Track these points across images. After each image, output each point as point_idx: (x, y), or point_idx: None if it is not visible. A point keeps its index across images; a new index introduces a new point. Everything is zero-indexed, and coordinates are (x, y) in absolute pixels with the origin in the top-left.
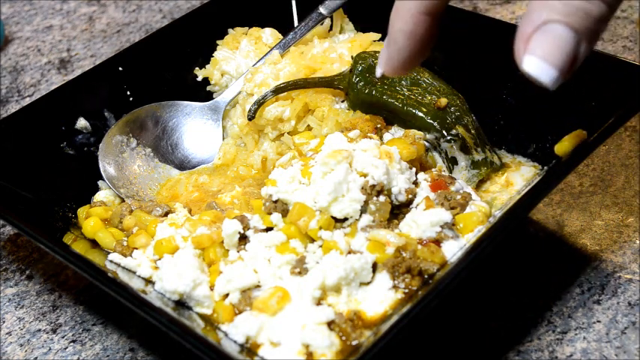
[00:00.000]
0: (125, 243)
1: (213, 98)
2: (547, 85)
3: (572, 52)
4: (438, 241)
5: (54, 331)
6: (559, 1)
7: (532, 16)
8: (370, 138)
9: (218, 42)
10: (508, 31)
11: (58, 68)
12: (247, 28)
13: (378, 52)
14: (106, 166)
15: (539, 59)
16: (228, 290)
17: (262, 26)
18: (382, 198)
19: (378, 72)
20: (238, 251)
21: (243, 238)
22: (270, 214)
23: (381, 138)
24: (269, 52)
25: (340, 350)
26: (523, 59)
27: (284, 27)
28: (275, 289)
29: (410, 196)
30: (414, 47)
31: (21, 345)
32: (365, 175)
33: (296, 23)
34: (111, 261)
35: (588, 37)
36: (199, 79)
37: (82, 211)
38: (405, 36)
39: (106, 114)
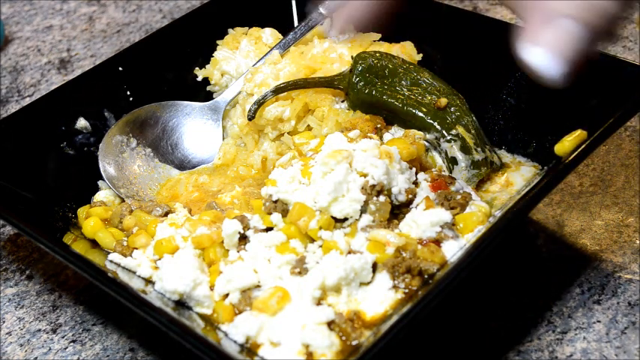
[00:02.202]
0: (125, 243)
1: (213, 98)
2: (553, 79)
3: (582, 47)
4: (438, 241)
5: (54, 331)
6: None
7: (543, 9)
8: (370, 138)
9: (218, 42)
10: (508, 31)
11: (58, 68)
12: (247, 28)
13: (378, 52)
14: (106, 166)
15: (546, 51)
16: (228, 290)
17: (262, 26)
18: (382, 198)
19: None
20: (238, 251)
21: (243, 238)
22: (270, 214)
23: (381, 138)
24: (269, 52)
25: (340, 350)
26: (529, 50)
27: (284, 27)
28: (275, 289)
29: (410, 196)
30: None
31: (21, 345)
32: (365, 175)
33: (296, 23)
34: (111, 261)
35: (601, 34)
36: (199, 79)
37: (82, 211)
38: None
39: (106, 114)
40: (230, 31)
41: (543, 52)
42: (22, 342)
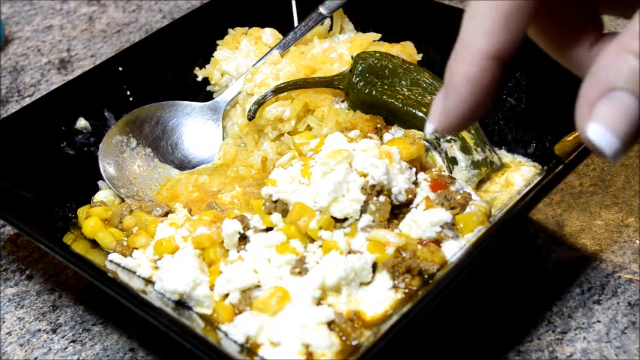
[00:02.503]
0: (125, 243)
1: (213, 98)
2: (607, 155)
3: (637, 122)
4: (438, 241)
5: (54, 331)
6: (628, 67)
7: (598, 79)
8: (370, 138)
9: (218, 42)
10: None
11: (58, 68)
12: (247, 28)
13: (378, 52)
14: (106, 166)
15: (603, 128)
16: (228, 290)
17: (262, 26)
18: (382, 198)
19: (430, 129)
20: (238, 251)
21: (243, 238)
22: (270, 214)
23: (381, 138)
24: (269, 52)
25: (340, 350)
26: (587, 126)
27: (284, 27)
28: (275, 289)
29: (410, 196)
30: (478, 99)
31: (21, 345)
32: (365, 175)
33: (296, 23)
34: (111, 261)
35: None
36: (199, 79)
37: (82, 211)
38: (468, 84)
39: (106, 114)
40: (230, 31)
41: (601, 129)
42: (22, 342)
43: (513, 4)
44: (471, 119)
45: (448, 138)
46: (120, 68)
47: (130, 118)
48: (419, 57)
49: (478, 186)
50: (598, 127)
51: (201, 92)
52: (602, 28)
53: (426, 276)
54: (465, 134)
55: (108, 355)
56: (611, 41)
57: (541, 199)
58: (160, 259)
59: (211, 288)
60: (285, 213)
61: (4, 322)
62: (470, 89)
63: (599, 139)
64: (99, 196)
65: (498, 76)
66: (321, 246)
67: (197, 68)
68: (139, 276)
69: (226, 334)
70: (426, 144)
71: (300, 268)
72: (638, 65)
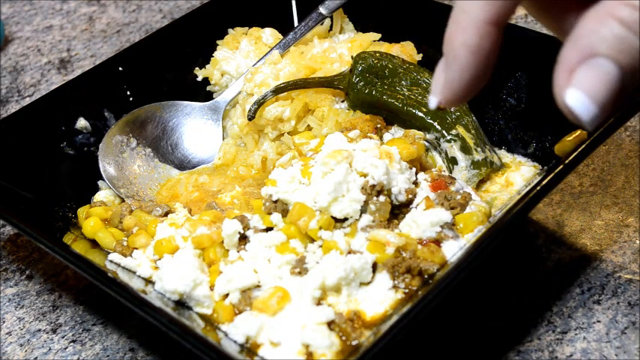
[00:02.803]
0: (125, 243)
1: (213, 98)
2: (584, 122)
3: (616, 91)
4: (438, 241)
5: (54, 331)
6: (611, 33)
7: (579, 44)
8: (370, 138)
9: (218, 42)
10: (508, 31)
11: (58, 68)
12: (247, 28)
13: (378, 52)
14: (106, 166)
15: (582, 94)
16: (228, 290)
17: (262, 26)
18: (382, 198)
19: (433, 102)
20: (238, 251)
21: (243, 238)
22: (270, 214)
23: (381, 138)
24: (269, 52)
25: (340, 350)
26: (566, 92)
27: (284, 27)
28: (275, 289)
29: (410, 196)
30: (480, 66)
31: (21, 345)
32: (365, 175)
33: (296, 23)
34: (111, 261)
35: (634, 77)
36: (199, 79)
37: (82, 211)
38: (469, 52)
39: (106, 114)
40: (230, 31)
41: (580, 95)
42: (22, 342)
43: None
44: (474, 89)
45: (448, 138)
46: (120, 68)
47: (130, 118)
48: (419, 57)
49: (478, 186)
50: (577, 93)
51: (201, 92)
52: None
53: (426, 276)
54: (464, 134)
55: (108, 355)
56: (595, 5)
57: (541, 199)
58: (159, 259)
59: (211, 288)
60: (285, 213)
61: (4, 322)
62: (472, 57)
63: (577, 105)
64: (99, 196)
65: (498, 42)
66: (321, 246)
67: (197, 68)
68: (139, 276)
69: (226, 334)
70: (426, 144)
71: (300, 268)
72: (622, 32)
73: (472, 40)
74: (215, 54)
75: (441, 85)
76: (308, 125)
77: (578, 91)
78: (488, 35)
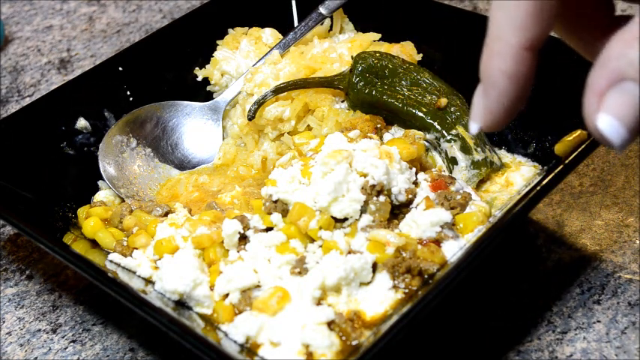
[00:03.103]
0: (125, 243)
1: (213, 98)
2: (615, 146)
3: None
4: (438, 241)
5: (54, 331)
6: (637, 56)
7: (608, 68)
8: (370, 138)
9: (218, 42)
10: None
11: (58, 68)
12: (247, 28)
13: (378, 52)
14: (106, 166)
15: (613, 119)
16: (228, 290)
17: (262, 26)
18: (382, 198)
19: (474, 128)
20: (238, 251)
21: (243, 238)
22: (270, 214)
23: (381, 138)
24: (269, 52)
25: (340, 350)
26: (597, 117)
27: (284, 27)
28: (275, 289)
29: (410, 196)
30: (518, 91)
31: (21, 345)
32: (365, 175)
33: (296, 23)
34: (111, 261)
35: None
36: (199, 79)
37: (82, 211)
38: (506, 78)
39: (106, 114)
40: (230, 31)
41: (611, 120)
42: (22, 342)
43: None
44: (513, 113)
45: (448, 138)
46: (120, 68)
47: (130, 118)
48: (419, 57)
49: (478, 186)
50: (608, 118)
51: (201, 92)
52: (614, 11)
53: (426, 276)
54: (465, 134)
55: (108, 355)
56: (622, 28)
57: (541, 199)
58: (160, 259)
59: (211, 288)
60: (285, 213)
61: (4, 322)
62: (509, 83)
63: (609, 130)
64: (99, 196)
65: (534, 65)
66: (321, 246)
67: (197, 68)
68: (139, 276)
69: (226, 334)
70: (426, 144)
71: (300, 268)
72: None
73: (509, 67)
74: (215, 54)
75: (481, 111)
76: (308, 125)
77: (609, 115)
78: (524, 60)
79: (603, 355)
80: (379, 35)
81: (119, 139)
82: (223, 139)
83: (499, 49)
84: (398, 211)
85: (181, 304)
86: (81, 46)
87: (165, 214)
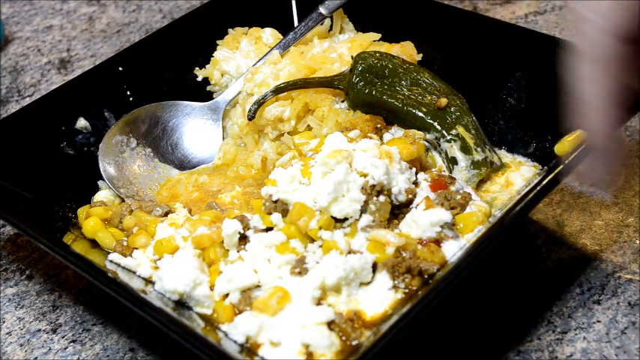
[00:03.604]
0: (125, 243)
1: (213, 98)
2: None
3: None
4: (438, 241)
5: (54, 331)
6: None
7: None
8: (370, 138)
9: (218, 42)
10: (508, 31)
11: (58, 68)
12: (247, 28)
13: (378, 52)
14: (106, 166)
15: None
16: (228, 290)
17: (262, 26)
18: (382, 198)
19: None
20: (238, 251)
21: (243, 238)
22: (270, 214)
23: (381, 138)
24: (269, 52)
25: (340, 350)
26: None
27: (284, 27)
28: (275, 289)
29: (410, 196)
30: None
31: (21, 345)
32: (365, 175)
33: (296, 23)
34: (111, 261)
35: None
36: (199, 79)
37: (82, 211)
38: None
39: (106, 114)
40: (230, 31)
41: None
42: (22, 342)
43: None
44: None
45: (448, 138)
46: (120, 68)
47: (130, 118)
48: (419, 57)
49: (478, 186)
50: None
51: (201, 92)
52: None
53: (426, 276)
54: (465, 134)
55: (108, 355)
56: None
57: (541, 199)
58: (160, 259)
59: (211, 288)
60: (285, 213)
61: (4, 322)
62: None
63: None
64: (99, 196)
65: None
66: (321, 246)
67: (197, 68)
68: (139, 276)
69: (226, 334)
70: (426, 144)
71: (300, 268)
72: None
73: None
74: (215, 54)
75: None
76: (308, 125)
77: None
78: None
79: (603, 355)
80: (379, 35)
81: (119, 139)
82: (223, 139)
83: (600, 137)
84: (398, 211)
85: (181, 304)
86: (81, 46)
87: (165, 214)
